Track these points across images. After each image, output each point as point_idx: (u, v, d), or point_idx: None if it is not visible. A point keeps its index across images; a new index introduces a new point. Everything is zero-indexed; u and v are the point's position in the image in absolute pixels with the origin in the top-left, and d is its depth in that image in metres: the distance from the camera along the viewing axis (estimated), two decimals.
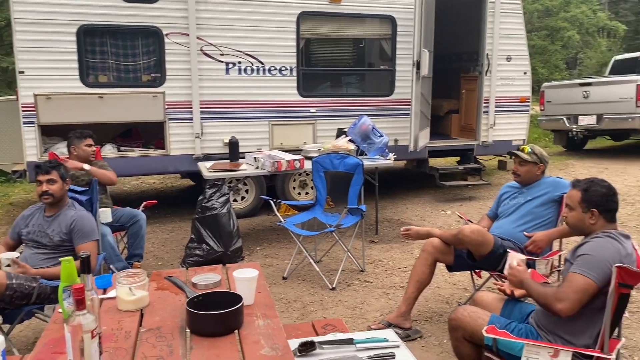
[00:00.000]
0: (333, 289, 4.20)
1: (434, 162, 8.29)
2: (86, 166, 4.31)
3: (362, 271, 4.60)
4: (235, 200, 6.40)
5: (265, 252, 5.19)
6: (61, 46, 5.45)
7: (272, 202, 4.55)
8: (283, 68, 6.27)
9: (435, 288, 4.17)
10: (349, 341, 2.21)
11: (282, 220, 4.47)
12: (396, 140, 6.85)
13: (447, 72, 8.10)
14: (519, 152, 3.55)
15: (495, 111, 7.39)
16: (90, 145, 4.42)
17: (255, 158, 5.13)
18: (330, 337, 2.31)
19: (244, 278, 2.02)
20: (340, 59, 7.16)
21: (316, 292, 4.19)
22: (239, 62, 6.08)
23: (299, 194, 6.65)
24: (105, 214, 4.18)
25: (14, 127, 5.67)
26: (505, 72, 7.36)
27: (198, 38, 5.85)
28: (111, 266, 3.64)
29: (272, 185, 6.51)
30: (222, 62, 6.01)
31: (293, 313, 3.83)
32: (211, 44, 5.93)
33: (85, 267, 1.70)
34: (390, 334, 2.31)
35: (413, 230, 3.65)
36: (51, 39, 5.40)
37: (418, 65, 6.18)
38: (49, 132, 5.68)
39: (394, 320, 3.47)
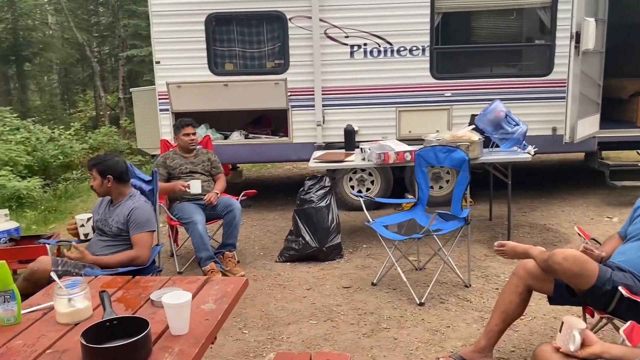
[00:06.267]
0: (421, 304, 3.61)
1: (618, 155, 6.88)
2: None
3: (467, 286, 3.89)
4: (360, 192, 6.04)
5: (370, 251, 4.74)
6: (191, 36, 5.65)
7: (362, 200, 4.10)
8: (414, 48, 5.64)
9: (532, 319, 3.32)
10: None
11: (370, 219, 3.99)
12: (554, 129, 5.76)
13: (633, 46, 6.54)
14: None
15: None
16: (188, 134, 4.47)
17: (361, 149, 4.70)
18: None
19: (172, 305, 1.69)
20: (484, 34, 6.22)
21: (400, 305, 3.64)
22: (365, 44, 5.63)
23: (432, 187, 5.98)
24: (195, 185, 4.23)
25: (156, 114, 6.09)
26: None
27: (321, 20, 5.56)
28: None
29: (402, 177, 5.98)
30: (346, 45, 5.64)
31: (363, 327, 3.37)
32: (335, 26, 5.60)
33: None
34: None
35: (509, 246, 2.90)
36: (182, 29, 5.63)
37: (577, 37, 5.03)
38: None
39: (468, 356, 2.82)
